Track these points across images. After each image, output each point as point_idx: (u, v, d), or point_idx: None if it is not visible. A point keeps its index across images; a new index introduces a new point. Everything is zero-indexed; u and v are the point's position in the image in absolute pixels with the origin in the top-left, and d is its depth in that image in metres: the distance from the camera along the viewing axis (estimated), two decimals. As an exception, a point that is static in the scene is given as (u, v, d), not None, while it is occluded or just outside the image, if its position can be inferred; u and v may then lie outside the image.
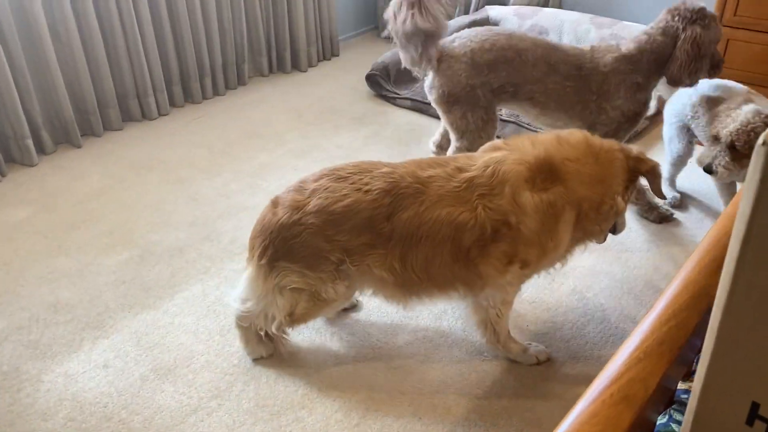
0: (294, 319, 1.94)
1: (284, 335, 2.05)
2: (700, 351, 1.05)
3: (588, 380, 1.94)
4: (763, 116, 2.21)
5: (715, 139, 2.33)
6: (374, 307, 2.25)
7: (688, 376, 1.04)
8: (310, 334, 2.14)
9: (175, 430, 1.82)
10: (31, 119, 3.11)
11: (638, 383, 0.82)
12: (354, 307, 2.26)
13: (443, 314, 2.23)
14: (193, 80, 3.72)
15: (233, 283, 2.35)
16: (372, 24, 5.03)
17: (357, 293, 2.00)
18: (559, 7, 4.25)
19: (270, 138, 3.40)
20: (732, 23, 3.07)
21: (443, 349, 2.09)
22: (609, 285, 2.36)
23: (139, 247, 2.57)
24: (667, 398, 0.94)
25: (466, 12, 4.56)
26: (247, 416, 1.86)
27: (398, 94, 3.75)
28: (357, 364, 2.03)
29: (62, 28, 3.10)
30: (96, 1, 3.19)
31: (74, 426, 1.83)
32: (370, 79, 3.86)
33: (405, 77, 3.83)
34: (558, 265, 2.00)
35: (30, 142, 3.09)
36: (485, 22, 4.26)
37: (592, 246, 2.52)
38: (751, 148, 2.16)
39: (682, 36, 2.35)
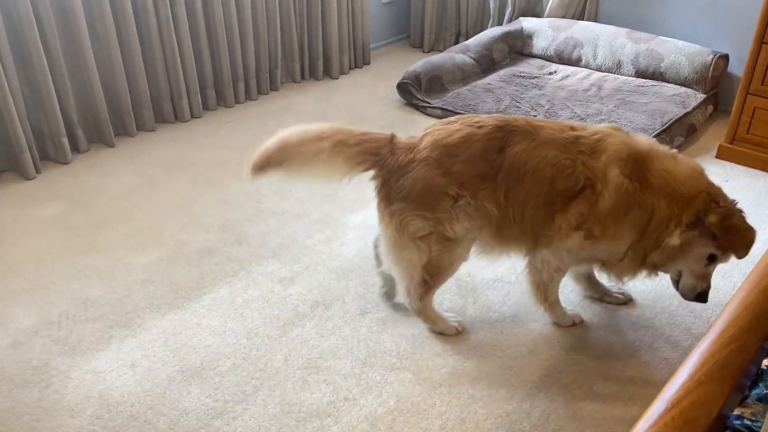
0: (431, 269, 2.00)
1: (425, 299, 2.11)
2: (757, 375, 1.02)
3: (618, 399, 1.91)
4: None
5: None
6: (401, 318, 2.22)
7: (742, 401, 1.00)
8: (337, 342, 2.12)
9: (200, 433, 1.81)
10: (68, 117, 3.16)
11: (700, 408, 0.79)
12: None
13: (472, 327, 2.19)
14: (227, 84, 3.74)
15: (260, 287, 2.35)
16: (404, 33, 5.04)
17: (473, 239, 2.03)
18: (595, 20, 4.20)
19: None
20: (759, 92, 3.08)
21: (472, 362, 2.05)
22: (641, 304, 2.31)
23: (169, 247, 2.58)
24: (723, 425, 0.90)
25: (500, 23, 4.54)
26: (272, 422, 1.84)
27: (429, 103, 3.74)
28: (385, 374, 2.00)
29: (101, 28, 3.14)
30: (134, 2, 3.23)
31: (101, 424, 1.83)
32: (402, 87, 3.86)
33: (436, 86, 3.82)
34: (622, 282, 2.10)
35: (65, 140, 3.13)
36: (519, 33, 4.23)
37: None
38: None
39: None
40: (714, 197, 1.86)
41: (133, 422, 1.84)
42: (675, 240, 1.85)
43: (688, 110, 3.41)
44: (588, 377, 2.00)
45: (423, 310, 2.11)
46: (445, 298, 2.32)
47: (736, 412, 0.95)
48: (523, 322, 2.22)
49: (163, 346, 2.11)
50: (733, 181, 3.08)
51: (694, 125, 3.45)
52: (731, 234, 1.84)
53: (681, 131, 3.34)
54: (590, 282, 2.30)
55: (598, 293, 2.32)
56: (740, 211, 1.88)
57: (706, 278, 1.94)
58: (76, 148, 3.24)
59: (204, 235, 2.66)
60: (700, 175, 1.91)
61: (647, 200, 1.86)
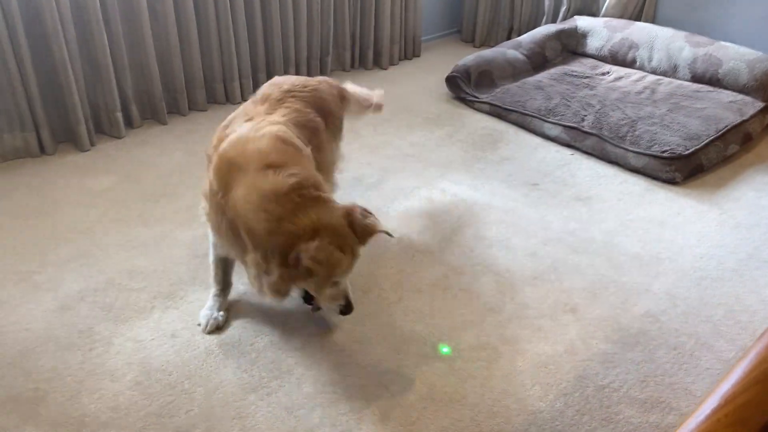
0: None
1: None
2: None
3: (656, 405, 1.87)
4: None
5: None
6: (437, 308, 2.22)
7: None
8: (373, 327, 2.14)
9: (234, 406, 1.84)
10: (123, 93, 3.24)
11: (755, 407, 0.77)
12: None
13: (508, 322, 2.18)
14: (278, 69, 3.78)
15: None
16: (455, 27, 5.01)
17: None
18: (653, 21, 4.11)
19: (346, 130, 3.41)
20: None
21: (506, 357, 2.04)
22: (685, 311, 2.25)
23: (214, 225, 2.62)
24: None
25: (554, 20, 4.48)
26: (306, 400, 1.87)
27: (477, 98, 3.71)
28: (419, 362, 2.01)
29: (160, 8, 3.21)
30: (194, -16, 3.30)
31: (140, 390, 1.89)
32: (450, 81, 3.84)
33: (486, 81, 3.80)
34: None
35: (120, 115, 3.22)
36: (573, 32, 4.17)
37: (668, 268, 2.43)
38: None
39: None
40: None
41: (170, 390, 1.89)
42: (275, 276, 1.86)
43: (744, 118, 3.30)
44: (625, 381, 1.97)
45: None
46: (483, 293, 2.31)
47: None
48: (561, 322, 2.19)
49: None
50: (788, 193, 2.98)
51: (750, 134, 3.34)
52: (324, 269, 1.80)
53: (736, 139, 3.24)
54: None
55: None
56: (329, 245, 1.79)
57: (339, 294, 1.90)
58: (129, 124, 3.33)
59: (248, 215, 2.70)
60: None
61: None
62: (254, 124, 2.02)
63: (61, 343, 2.04)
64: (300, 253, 1.72)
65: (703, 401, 0.81)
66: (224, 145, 1.96)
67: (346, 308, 1.92)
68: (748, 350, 0.88)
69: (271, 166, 1.83)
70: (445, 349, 2.04)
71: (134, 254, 2.45)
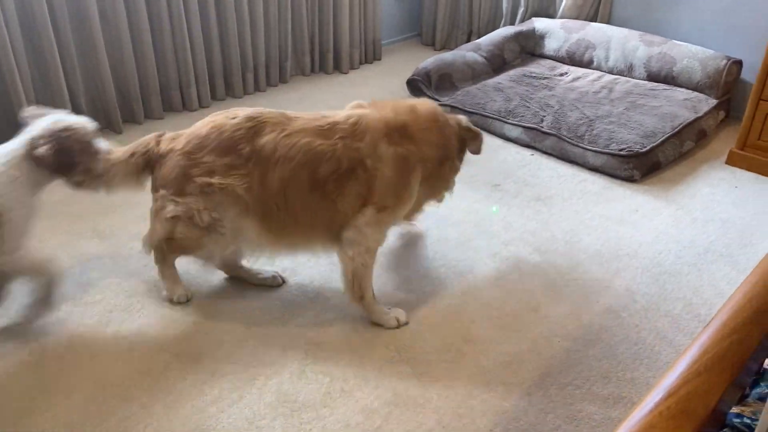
0: (172, 245, 2.11)
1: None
2: (757, 374, 1.00)
3: (618, 401, 1.89)
4: None
5: None
6: (404, 310, 2.21)
7: (742, 399, 0.97)
8: (335, 333, 2.11)
9: (194, 419, 1.80)
10: (75, 102, 3.16)
11: (697, 398, 0.77)
12: (277, 284, 2.33)
13: (471, 323, 2.18)
14: (236, 75, 3.74)
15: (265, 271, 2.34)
16: (416, 31, 5.02)
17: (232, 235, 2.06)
18: (608, 22, 4.17)
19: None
20: None
21: (470, 357, 2.04)
22: (645, 306, 2.28)
23: (172, 234, 2.57)
24: (720, 422, 0.88)
25: (512, 23, 4.52)
26: (267, 410, 1.83)
27: (438, 100, 3.72)
28: (382, 367, 1.99)
29: (111, 14, 3.15)
30: (146, -11, 3.24)
31: (95, 405, 1.83)
32: (411, 84, 3.84)
33: (446, 84, 3.81)
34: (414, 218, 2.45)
35: (72, 124, 3.13)
36: (531, 34, 4.21)
37: (628, 264, 2.46)
38: None
39: None
40: (462, 129, 2.27)
41: (128, 405, 1.83)
42: (459, 165, 2.31)
43: (699, 115, 3.37)
44: (588, 378, 1.98)
45: (157, 260, 2.20)
46: (446, 294, 2.30)
47: (736, 410, 0.93)
48: (524, 321, 2.20)
49: (162, 332, 2.10)
50: (743, 187, 3.05)
51: (705, 130, 3.41)
52: (478, 138, 2.31)
53: (691, 136, 3.31)
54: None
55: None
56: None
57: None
58: (83, 134, 3.24)
59: (207, 223, 2.65)
60: (444, 118, 2.22)
61: (420, 156, 2.08)
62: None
63: (13, 360, 1.97)
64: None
65: (647, 394, 0.81)
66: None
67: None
68: (692, 342, 0.88)
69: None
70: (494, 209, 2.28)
71: (89, 267, 2.38)
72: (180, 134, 2.09)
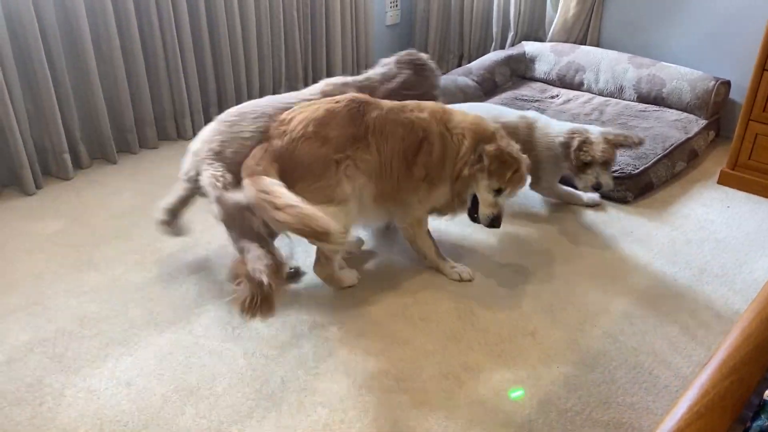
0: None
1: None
2: (759, 407, 1.00)
3: (619, 427, 1.88)
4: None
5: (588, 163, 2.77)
6: (400, 340, 2.20)
7: (743, 433, 0.98)
8: (334, 363, 2.11)
9: (193, 454, 1.78)
10: (70, 133, 3.17)
11: (698, 442, 0.77)
12: (296, 276, 2.51)
13: (469, 350, 2.17)
14: (231, 103, 3.75)
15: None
16: (407, 55, 5.06)
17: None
18: (597, 45, 4.23)
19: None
20: (761, 119, 3.10)
21: (469, 385, 2.03)
22: (642, 329, 2.29)
23: (168, 265, 2.57)
24: (723, 458, 0.88)
25: (502, 47, 4.57)
26: (267, 444, 1.82)
27: (431, 125, 3.74)
28: (381, 398, 1.98)
29: (106, 46, 3.16)
30: (140, 20, 3.26)
31: (93, 443, 1.81)
32: (404, 109, 3.87)
33: (439, 109, 3.83)
34: (453, 217, 2.57)
35: (67, 156, 3.14)
36: (521, 57, 4.26)
37: (623, 286, 2.47)
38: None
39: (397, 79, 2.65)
40: (494, 138, 2.35)
41: (126, 442, 1.82)
42: (465, 171, 2.35)
43: (689, 136, 3.41)
44: (587, 403, 1.97)
45: (329, 273, 2.40)
46: (442, 320, 2.30)
47: (737, 445, 0.93)
48: (521, 346, 2.20)
49: (159, 364, 2.09)
50: (734, 207, 3.07)
51: (696, 151, 3.45)
52: (496, 164, 2.30)
53: (683, 156, 3.34)
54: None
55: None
56: (510, 149, 2.34)
57: (496, 206, 2.38)
58: (78, 164, 3.25)
59: (204, 253, 2.65)
60: (484, 121, 2.42)
61: (455, 141, 2.35)
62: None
63: (8, 398, 1.95)
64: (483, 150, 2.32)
65: (651, 440, 0.81)
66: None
67: (496, 219, 2.38)
68: (692, 382, 0.89)
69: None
70: (516, 394, 2.01)
71: (85, 300, 2.37)
72: (282, 129, 2.24)
